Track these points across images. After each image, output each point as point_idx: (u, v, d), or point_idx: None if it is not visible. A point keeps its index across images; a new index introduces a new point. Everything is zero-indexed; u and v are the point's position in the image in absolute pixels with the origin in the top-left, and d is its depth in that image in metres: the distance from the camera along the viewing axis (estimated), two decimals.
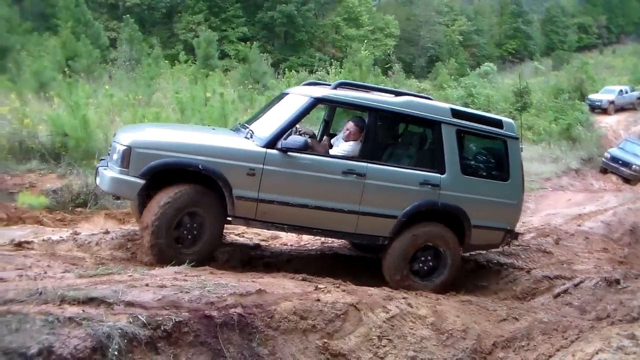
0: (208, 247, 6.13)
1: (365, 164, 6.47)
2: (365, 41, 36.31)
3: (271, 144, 6.16)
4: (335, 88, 6.79)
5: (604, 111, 35.25)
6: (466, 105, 23.89)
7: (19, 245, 6.31)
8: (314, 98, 6.56)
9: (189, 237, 6.02)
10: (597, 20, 74.77)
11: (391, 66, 35.65)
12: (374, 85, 8.31)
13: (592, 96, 36.17)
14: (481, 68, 47.47)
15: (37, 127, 12.24)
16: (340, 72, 22.31)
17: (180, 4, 49.43)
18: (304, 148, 6.21)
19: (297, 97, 6.84)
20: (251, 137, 6.38)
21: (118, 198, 7.28)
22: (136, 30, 28.15)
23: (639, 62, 51.24)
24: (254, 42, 32.31)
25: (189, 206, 5.92)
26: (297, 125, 6.80)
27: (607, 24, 75.72)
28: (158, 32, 46.40)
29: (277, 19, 49.42)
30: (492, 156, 7.53)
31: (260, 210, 6.17)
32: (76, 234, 7.14)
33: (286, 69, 28.33)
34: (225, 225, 6.38)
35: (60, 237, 6.99)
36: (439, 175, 6.76)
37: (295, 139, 6.19)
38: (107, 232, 7.19)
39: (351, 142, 6.76)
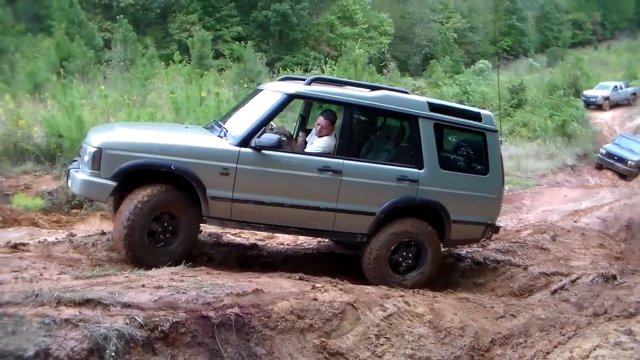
0: (183, 247, 6.02)
1: (341, 160, 6.40)
2: (360, 39, 36.33)
3: (244, 142, 6.07)
4: (309, 84, 6.69)
5: (599, 107, 35.41)
6: (461, 102, 23.90)
7: (15, 247, 6.29)
8: (288, 94, 6.47)
9: (162, 238, 5.95)
10: (591, 17, 74.91)
11: (386, 64, 35.67)
12: (349, 80, 8.29)
13: (587, 92, 36.30)
14: (476, 65, 47.52)
15: (32, 128, 12.18)
16: (334, 71, 22.29)
17: (174, 4, 49.38)
18: (278, 146, 6.11)
19: (271, 93, 6.75)
20: (225, 135, 6.29)
21: (92, 201, 7.15)
22: (130, 31, 28.05)
23: (634, 58, 51.40)
24: (249, 42, 32.23)
25: (159, 208, 5.82)
26: (273, 124, 6.75)
27: (602, 20, 75.86)
28: (152, 32, 46.31)
29: (271, 18, 49.36)
30: (471, 150, 7.47)
31: (235, 210, 6.09)
32: (72, 235, 7.11)
33: (281, 68, 28.36)
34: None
35: (56, 238, 6.96)
36: (417, 170, 6.70)
37: (269, 137, 6.09)
38: (103, 233, 7.16)
39: (325, 138, 6.70)
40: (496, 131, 7.34)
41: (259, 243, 8.12)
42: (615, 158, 23.94)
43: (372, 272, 6.69)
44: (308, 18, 54.54)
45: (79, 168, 6.06)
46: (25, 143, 11.70)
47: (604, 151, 24.68)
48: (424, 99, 7.26)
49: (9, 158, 11.36)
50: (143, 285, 4.44)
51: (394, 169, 6.65)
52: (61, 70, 19.50)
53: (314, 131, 7.07)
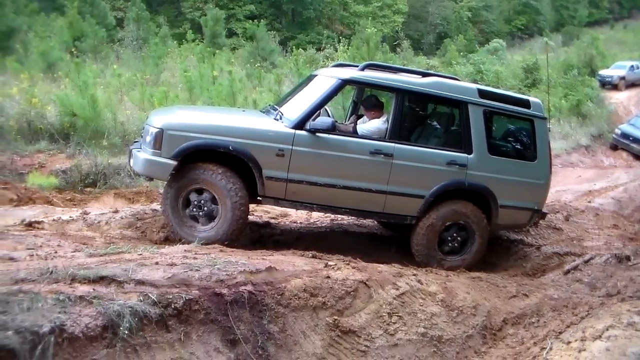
0: (225, 225, 6.10)
1: (392, 144, 6.54)
2: (371, 18, 35.95)
3: (300, 125, 6.26)
4: (362, 69, 6.84)
5: (615, 87, 34.89)
6: (475, 81, 23.71)
7: (30, 225, 6.37)
8: (342, 80, 6.64)
9: (201, 215, 6.14)
10: None
11: (399, 43, 35.40)
12: (401, 67, 8.41)
13: (603, 72, 35.77)
14: (490, 44, 46.98)
15: (46, 107, 12.26)
16: (348, 50, 22.16)
17: None
18: (332, 129, 6.29)
19: (325, 78, 6.91)
20: (280, 118, 6.47)
21: (151, 179, 7.37)
22: (143, 10, 27.98)
23: None
24: (262, 20, 32.14)
25: (192, 184, 6.06)
26: (327, 108, 6.91)
27: None
28: (165, 11, 46.06)
29: None
30: (520, 136, 7.54)
31: (289, 190, 6.30)
32: (86, 213, 7.17)
33: (294, 47, 28.20)
34: None
35: (70, 216, 7.02)
36: (466, 155, 6.82)
37: (323, 120, 6.29)
38: (116, 212, 7.22)
39: (375, 120, 6.86)
40: (544, 118, 7.43)
41: (272, 221, 8.15)
42: (631, 138, 23.65)
43: (420, 238, 6.84)
44: None
45: (140, 148, 6.29)
46: (39, 122, 11.80)
47: (619, 131, 24.38)
48: (474, 85, 7.39)
49: (23, 137, 11.46)
50: (156, 263, 4.46)
51: (444, 154, 6.79)
52: (74, 49, 19.54)
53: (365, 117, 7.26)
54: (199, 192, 6.10)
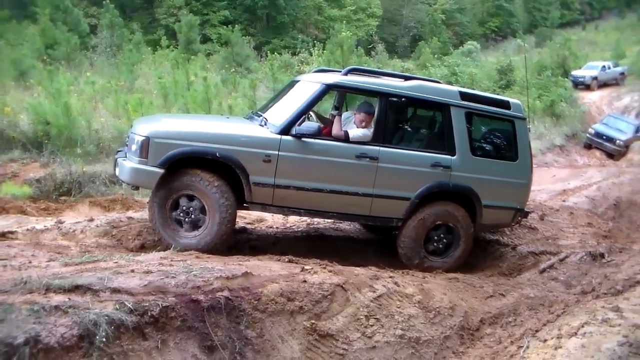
0: (208, 237, 6.11)
1: (377, 147, 6.59)
2: (345, 21, 36.04)
3: (285, 130, 6.28)
4: (345, 74, 6.88)
5: (587, 87, 35.36)
6: (450, 83, 23.84)
7: (3, 235, 6.29)
8: (326, 85, 6.68)
9: (187, 221, 6.16)
10: None
11: (374, 46, 35.51)
12: (383, 71, 8.45)
13: (575, 72, 36.23)
14: (464, 47, 47.32)
15: (18, 116, 12.15)
16: (322, 54, 22.19)
17: None
18: (318, 134, 6.32)
19: (309, 84, 6.94)
20: (265, 124, 6.49)
21: (137, 188, 7.32)
22: (117, 16, 27.68)
23: (622, 38, 51.36)
24: (236, 26, 32.01)
25: (185, 189, 6.06)
26: (312, 113, 6.95)
27: None
28: (139, 17, 45.77)
29: (258, 1, 48.83)
30: (501, 137, 7.62)
31: (277, 195, 6.32)
32: (60, 222, 7.10)
33: (269, 52, 28.15)
34: None
35: (45, 226, 6.94)
36: (449, 157, 6.89)
37: (309, 125, 6.32)
38: (91, 220, 7.15)
39: (364, 129, 6.83)
40: (524, 119, 7.51)
41: (249, 226, 8.13)
42: (604, 137, 24.04)
43: (410, 231, 6.87)
44: (295, 1, 54.04)
45: (125, 157, 6.26)
46: (11, 131, 11.69)
47: (592, 131, 24.77)
48: (455, 88, 7.46)
49: None
50: (132, 271, 4.44)
51: (428, 156, 6.86)
52: (46, 57, 19.36)
53: (351, 120, 7.21)
54: (190, 198, 6.10)
